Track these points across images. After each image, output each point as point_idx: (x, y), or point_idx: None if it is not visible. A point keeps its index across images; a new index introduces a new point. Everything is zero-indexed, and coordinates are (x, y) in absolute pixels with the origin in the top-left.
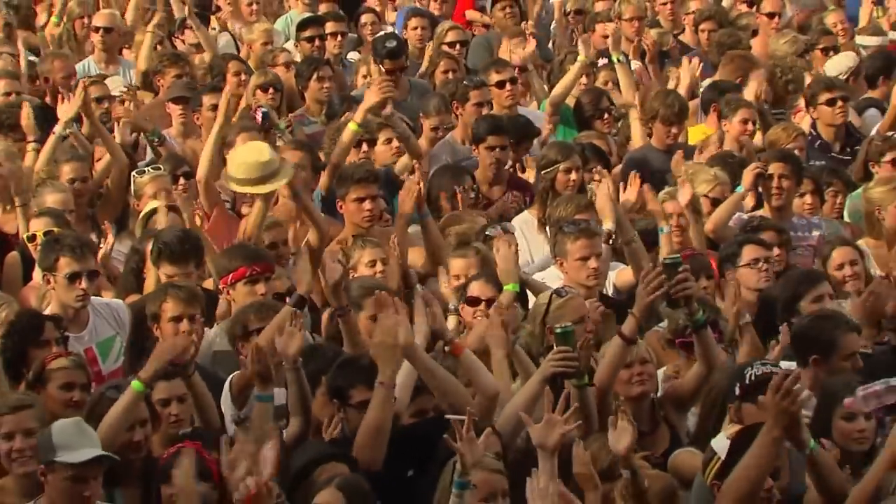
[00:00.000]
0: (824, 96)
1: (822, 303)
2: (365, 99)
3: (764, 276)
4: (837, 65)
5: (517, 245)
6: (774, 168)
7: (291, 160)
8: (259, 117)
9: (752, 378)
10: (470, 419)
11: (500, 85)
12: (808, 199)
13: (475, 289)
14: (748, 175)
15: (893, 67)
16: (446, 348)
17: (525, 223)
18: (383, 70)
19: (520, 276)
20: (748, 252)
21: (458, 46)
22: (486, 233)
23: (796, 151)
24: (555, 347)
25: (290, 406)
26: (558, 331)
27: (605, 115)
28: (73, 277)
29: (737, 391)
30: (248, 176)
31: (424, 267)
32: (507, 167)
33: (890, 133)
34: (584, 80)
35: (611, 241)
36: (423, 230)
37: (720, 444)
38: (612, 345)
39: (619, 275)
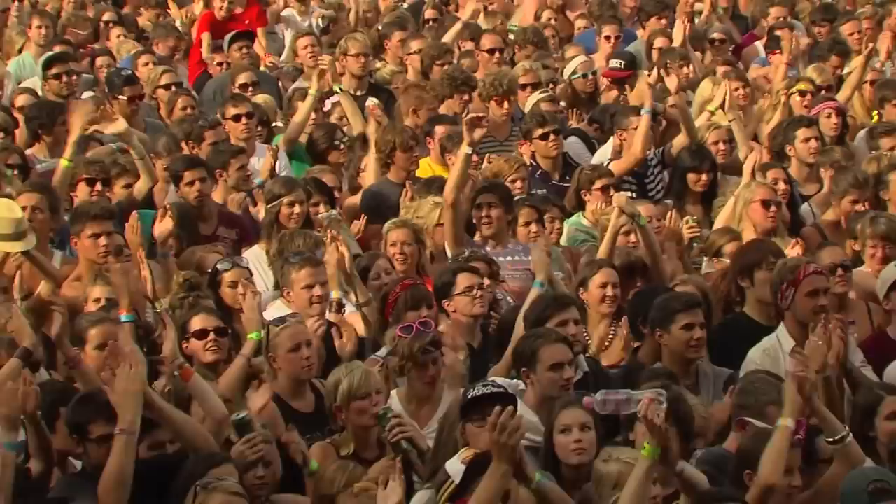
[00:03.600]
0: (538, 131)
1: (567, 327)
2: (71, 131)
3: (479, 303)
4: (533, 100)
5: (258, 292)
6: (483, 199)
7: (28, 202)
8: None
9: (469, 397)
10: None
11: (237, 119)
12: (532, 227)
13: (197, 323)
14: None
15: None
16: (177, 373)
17: (256, 257)
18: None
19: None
20: (462, 280)
21: (173, 88)
22: (217, 267)
23: (518, 182)
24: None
25: (31, 451)
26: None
27: (340, 148)
28: None
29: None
30: (1, 231)
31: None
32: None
33: (598, 162)
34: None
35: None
36: (161, 267)
37: (454, 467)
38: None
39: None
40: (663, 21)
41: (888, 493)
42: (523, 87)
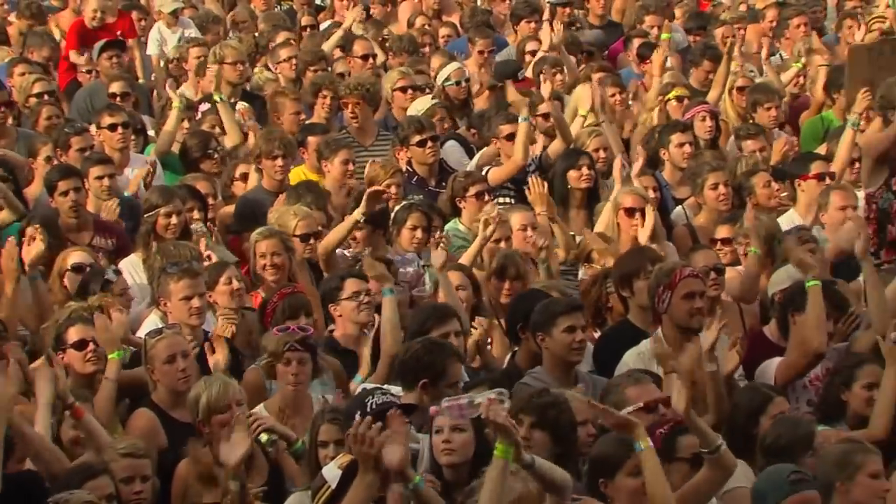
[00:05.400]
0: (415, 138)
1: (448, 339)
2: None
3: (365, 310)
4: (419, 105)
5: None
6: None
7: None
8: None
9: (374, 406)
10: None
11: (112, 128)
12: (418, 233)
13: (75, 333)
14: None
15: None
16: (67, 413)
17: (133, 265)
18: None
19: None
20: (350, 285)
21: (45, 97)
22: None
23: (394, 188)
24: None
25: None
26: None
27: (213, 157)
28: None
29: (356, 419)
30: None
31: (33, 323)
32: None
33: (472, 169)
34: (186, 124)
35: None
36: (32, 290)
37: (330, 473)
38: None
39: None
40: (532, 25)
41: (807, 482)
42: (403, 89)
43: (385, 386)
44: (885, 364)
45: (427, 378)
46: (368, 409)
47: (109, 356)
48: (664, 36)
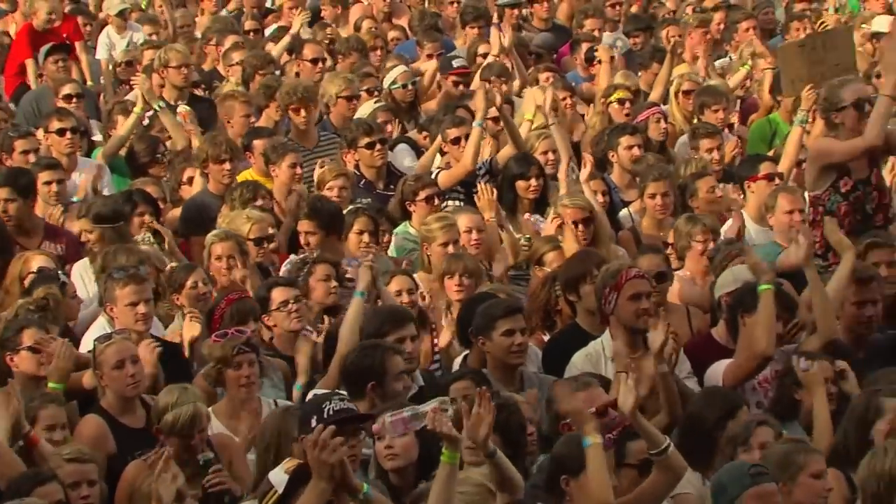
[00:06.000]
0: (364, 140)
1: (404, 344)
2: None
3: (295, 318)
4: (363, 110)
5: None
6: (303, 226)
7: None
8: None
9: (331, 412)
10: None
11: (61, 132)
12: (365, 237)
13: (29, 337)
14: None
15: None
16: (21, 442)
17: (84, 268)
18: None
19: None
20: (277, 295)
21: None
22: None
23: (337, 190)
24: None
25: None
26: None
27: (161, 161)
28: None
29: (313, 424)
30: None
31: None
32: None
33: (422, 173)
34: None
35: None
36: None
37: (277, 477)
38: None
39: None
40: (476, 31)
41: (766, 475)
42: (349, 98)
43: (342, 391)
44: (809, 390)
45: (373, 380)
46: (325, 415)
47: (50, 384)
48: (603, 59)
